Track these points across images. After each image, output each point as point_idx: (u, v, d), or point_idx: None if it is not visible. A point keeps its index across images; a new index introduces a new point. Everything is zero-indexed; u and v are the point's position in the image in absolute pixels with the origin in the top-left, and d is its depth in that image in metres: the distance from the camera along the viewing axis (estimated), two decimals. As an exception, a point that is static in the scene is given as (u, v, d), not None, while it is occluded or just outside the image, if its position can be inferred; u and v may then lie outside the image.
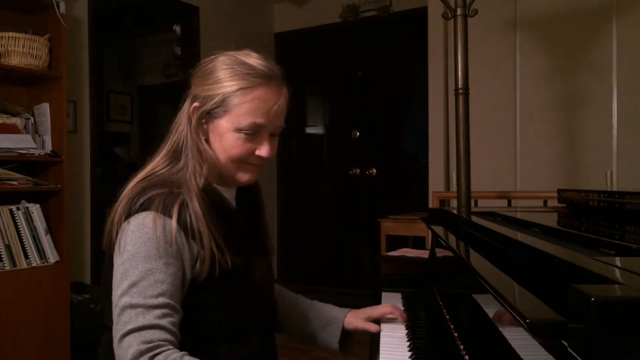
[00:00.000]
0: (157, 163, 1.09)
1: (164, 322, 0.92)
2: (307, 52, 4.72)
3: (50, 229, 2.60)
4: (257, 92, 1.04)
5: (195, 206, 1.01)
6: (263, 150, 1.06)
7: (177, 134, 1.09)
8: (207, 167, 1.06)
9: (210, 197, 1.06)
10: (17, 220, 2.50)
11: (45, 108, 2.67)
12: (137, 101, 5.77)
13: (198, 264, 1.01)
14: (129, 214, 1.00)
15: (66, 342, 2.58)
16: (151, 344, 0.90)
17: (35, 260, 2.52)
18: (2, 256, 2.42)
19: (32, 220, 2.55)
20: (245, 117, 1.03)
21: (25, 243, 2.50)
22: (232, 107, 1.03)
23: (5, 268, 2.41)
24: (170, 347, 0.91)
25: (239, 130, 1.04)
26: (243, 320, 1.08)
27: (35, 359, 2.46)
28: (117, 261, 0.98)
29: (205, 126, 1.07)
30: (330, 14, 4.48)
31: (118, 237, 1.01)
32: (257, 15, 4.62)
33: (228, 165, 1.07)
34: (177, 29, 4.31)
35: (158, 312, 0.92)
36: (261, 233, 1.23)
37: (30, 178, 2.57)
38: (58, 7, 2.64)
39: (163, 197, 1.00)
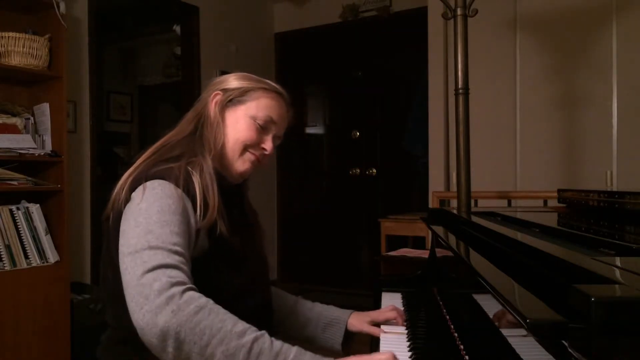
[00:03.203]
0: (179, 130, 1.16)
1: (185, 268, 0.90)
2: (307, 52, 4.72)
3: (50, 229, 2.60)
4: (274, 96, 1.18)
5: (205, 174, 1.05)
6: (267, 144, 1.17)
7: (198, 112, 1.17)
8: (214, 148, 1.12)
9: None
10: (17, 220, 2.50)
11: (45, 108, 2.67)
12: (137, 101, 5.77)
13: (200, 235, 1.02)
14: (142, 182, 1.01)
15: (66, 342, 2.58)
16: (179, 279, 0.86)
17: (35, 260, 2.52)
18: (2, 256, 2.42)
19: (32, 220, 2.55)
20: (264, 109, 1.16)
21: (25, 243, 2.50)
22: (254, 98, 1.16)
23: (5, 268, 2.41)
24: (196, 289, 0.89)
25: (254, 118, 1.15)
26: (238, 308, 1.08)
27: (35, 359, 2.46)
28: (129, 219, 0.96)
29: (223, 111, 1.16)
30: (330, 14, 4.48)
31: (127, 206, 1.00)
32: (257, 15, 4.62)
33: (235, 147, 1.14)
34: (177, 29, 4.31)
35: (178, 257, 0.90)
36: (254, 226, 1.25)
37: (30, 178, 2.57)
38: (58, 7, 2.64)
39: (174, 170, 1.03)
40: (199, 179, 1.04)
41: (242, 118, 1.15)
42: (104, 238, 1.08)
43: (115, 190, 1.06)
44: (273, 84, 1.20)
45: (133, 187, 1.01)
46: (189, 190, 1.02)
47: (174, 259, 0.89)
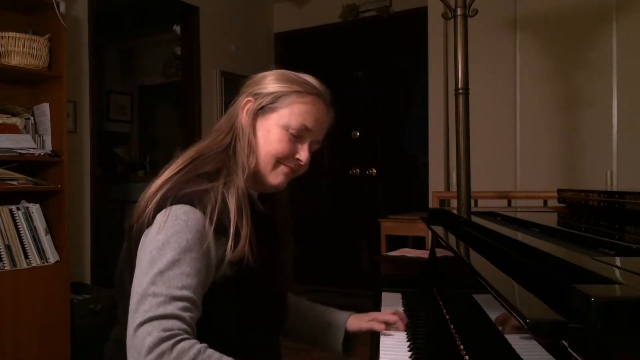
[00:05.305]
0: (213, 141, 1.09)
1: (185, 315, 0.89)
2: (307, 52, 4.72)
3: (50, 229, 2.60)
4: (311, 99, 1.09)
5: (240, 199, 1.01)
6: (302, 154, 1.09)
7: (231, 123, 1.10)
8: (248, 166, 1.06)
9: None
10: (17, 220, 2.50)
11: (45, 108, 2.67)
12: (137, 101, 5.77)
13: (224, 264, 0.99)
14: (168, 203, 0.97)
15: (66, 342, 2.58)
16: (172, 332, 0.86)
17: (35, 260, 2.52)
18: (2, 256, 2.42)
19: (32, 220, 2.55)
20: (297, 117, 1.07)
21: (25, 243, 2.50)
22: (287, 105, 1.07)
23: (5, 268, 2.41)
24: (191, 337, 0.89)
25: (286, 128, 1.07)
26: (255, 331, 1.07)
27: (35, 359, 2.46)
28: (146, 248, 0.95)
29: (254, 121, 1.09)
30: (330, 14, 4.48)
31: (151, 226, 0.97)
32: (257, 15, 4.62)
33: (267, 161, 1.08)
34: (177, 29, 4.31)
35: (180, 304, 0.89)
36: (283, 244, 1.20)
37: (30, 178, 2.57)
38: (58, 7, 2.64)
39: (209, 194, 0.99)
40: (234, 207, 0.99)
41: (273, 128, 1.07)
42: (125, 243, 1.06)
43: (142, 202, 1.02)
44: (311, 82, 1.11)
45: (159, 207, 0.97)
46: (221, 222, 0.97)
47: (175, 307, 0.88)
